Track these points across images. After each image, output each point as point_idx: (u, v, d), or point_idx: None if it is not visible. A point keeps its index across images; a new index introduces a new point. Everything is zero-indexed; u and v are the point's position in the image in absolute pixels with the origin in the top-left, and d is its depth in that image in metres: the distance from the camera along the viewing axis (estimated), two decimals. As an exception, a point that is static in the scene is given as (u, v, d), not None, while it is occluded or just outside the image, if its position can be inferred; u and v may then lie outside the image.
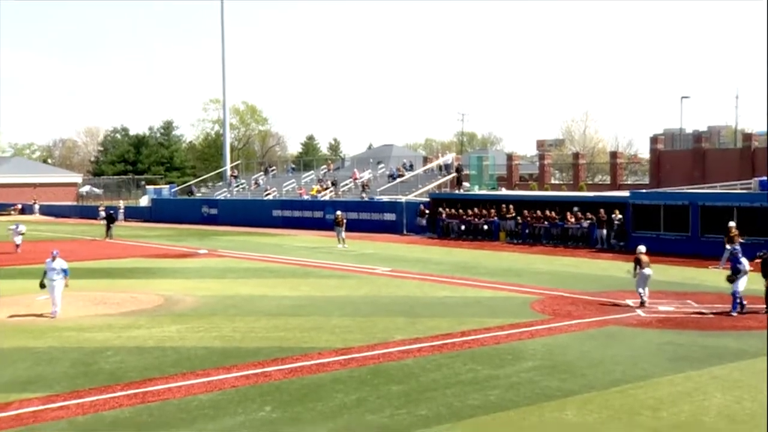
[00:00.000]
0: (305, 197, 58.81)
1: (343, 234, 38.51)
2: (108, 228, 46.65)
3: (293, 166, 74.37)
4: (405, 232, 45.52)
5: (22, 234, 38.50)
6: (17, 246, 37.81)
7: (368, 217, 47.84)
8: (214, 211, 60.71)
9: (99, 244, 42.81)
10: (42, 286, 19.81)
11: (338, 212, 40.24)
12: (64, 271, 19.73)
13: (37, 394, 12.51)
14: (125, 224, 60.16)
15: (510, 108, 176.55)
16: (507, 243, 38.76)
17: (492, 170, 56.45)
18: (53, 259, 19.73)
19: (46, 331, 17.71)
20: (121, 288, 24.88)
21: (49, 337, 17.11)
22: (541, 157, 67.37)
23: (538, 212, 38.50)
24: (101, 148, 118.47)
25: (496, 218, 40.40)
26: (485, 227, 40.58)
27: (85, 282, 25.13)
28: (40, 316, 19.34)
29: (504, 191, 50.13)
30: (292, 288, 24.48)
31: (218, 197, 66.17)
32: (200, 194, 72.63)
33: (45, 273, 19.76)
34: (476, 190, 48.75)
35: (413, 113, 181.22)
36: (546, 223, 38.08)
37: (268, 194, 62.24)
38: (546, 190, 56.81)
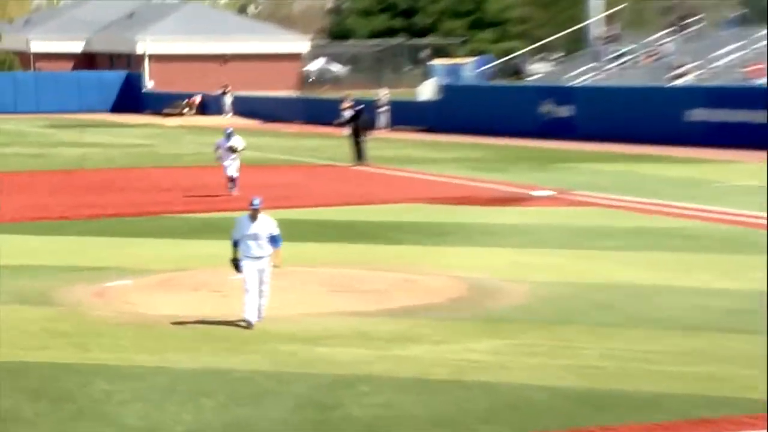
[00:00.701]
0: (760, 82, 57.77)
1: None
2: (357, 142, 49.07)
3: (735, 15, 73.27)
4: None
5: (237, 151, 38.22)
6: (232, 179, 38.04)
7: None
8: (564, 111, 62.04)
9: (341, 174, 45.76)
10: (236, 266, 19.98)
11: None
12: (273, 239, 19.74)
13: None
14: (392, 135, 63.24)
15: None
16: None
17: None
18: (253, 214, 19.71)
19: (246, 341, 18.89)
20: (383, 261, 26.16)
21: (252, 351, 18.21)
22: None
23: None
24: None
25: None
26: None
27: (316, 248, 26.84)
28: (232, 324, 19.90)
29: None
30: (727, 274, 24.45)
31: (575, 83, 67.03)
32: (538, 76, 74.03)
33: (235, 244, 19.93)
34: None
35: None
36: None
37: (679, 75, 61.95)
38: None
